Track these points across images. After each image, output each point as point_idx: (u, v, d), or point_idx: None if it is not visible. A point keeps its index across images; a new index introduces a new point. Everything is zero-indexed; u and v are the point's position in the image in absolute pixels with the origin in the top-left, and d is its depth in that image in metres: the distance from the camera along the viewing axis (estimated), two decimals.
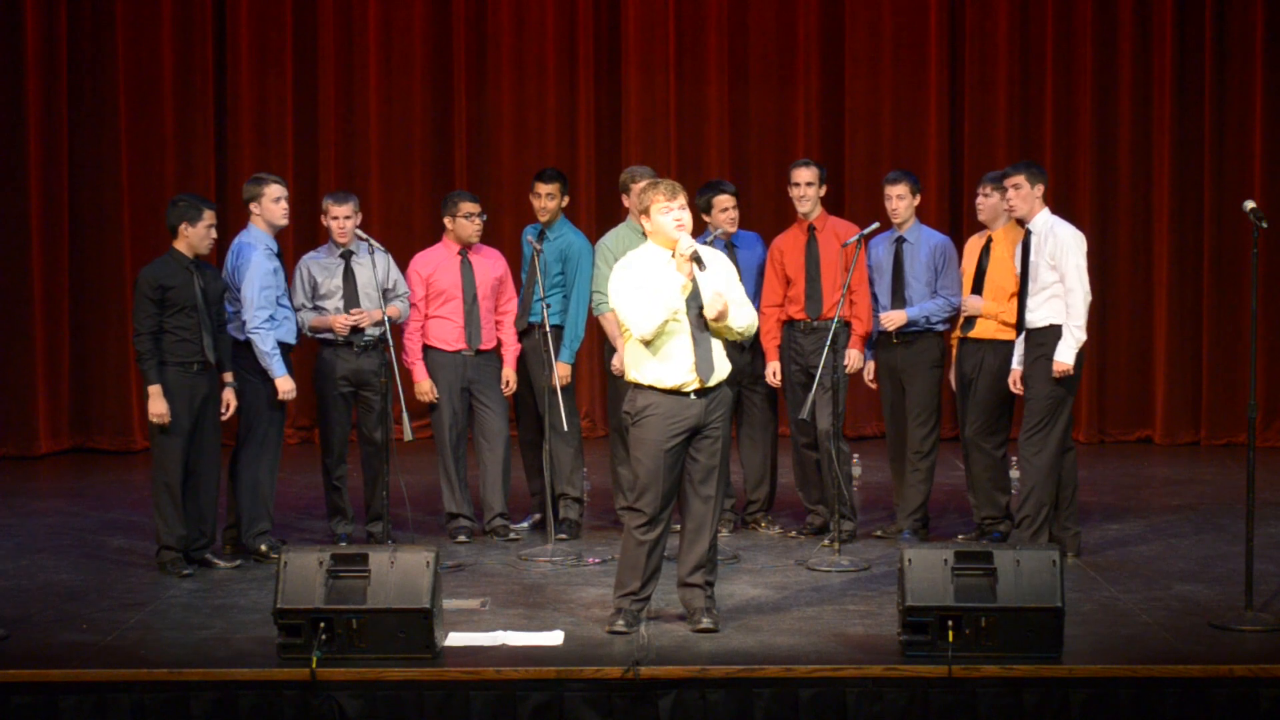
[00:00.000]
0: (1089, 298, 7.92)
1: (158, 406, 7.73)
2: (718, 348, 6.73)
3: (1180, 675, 6.17)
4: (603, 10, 12.50)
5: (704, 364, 6.66)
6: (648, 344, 6.63)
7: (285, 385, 8.15)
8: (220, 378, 7.97)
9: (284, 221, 8.36)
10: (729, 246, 8.70)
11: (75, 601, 7.33)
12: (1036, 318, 7.97)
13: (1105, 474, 10.96)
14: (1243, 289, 12.02)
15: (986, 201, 8.47)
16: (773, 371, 8.70)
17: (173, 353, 7.77)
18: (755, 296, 8.49)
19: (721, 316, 6.63)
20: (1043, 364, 7.93)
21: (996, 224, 8.46)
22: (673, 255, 6.66)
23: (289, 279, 8.47)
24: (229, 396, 8.00)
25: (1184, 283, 12.32)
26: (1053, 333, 7.92)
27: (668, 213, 6.67)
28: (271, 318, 8.12)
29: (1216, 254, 12.23)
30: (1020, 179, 8.03)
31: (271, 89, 12.31)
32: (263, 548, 8.08)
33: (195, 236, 7.87)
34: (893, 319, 8.47)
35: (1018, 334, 8.14)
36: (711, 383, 6.69)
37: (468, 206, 8.69)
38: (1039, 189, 8.03)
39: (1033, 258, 7.97)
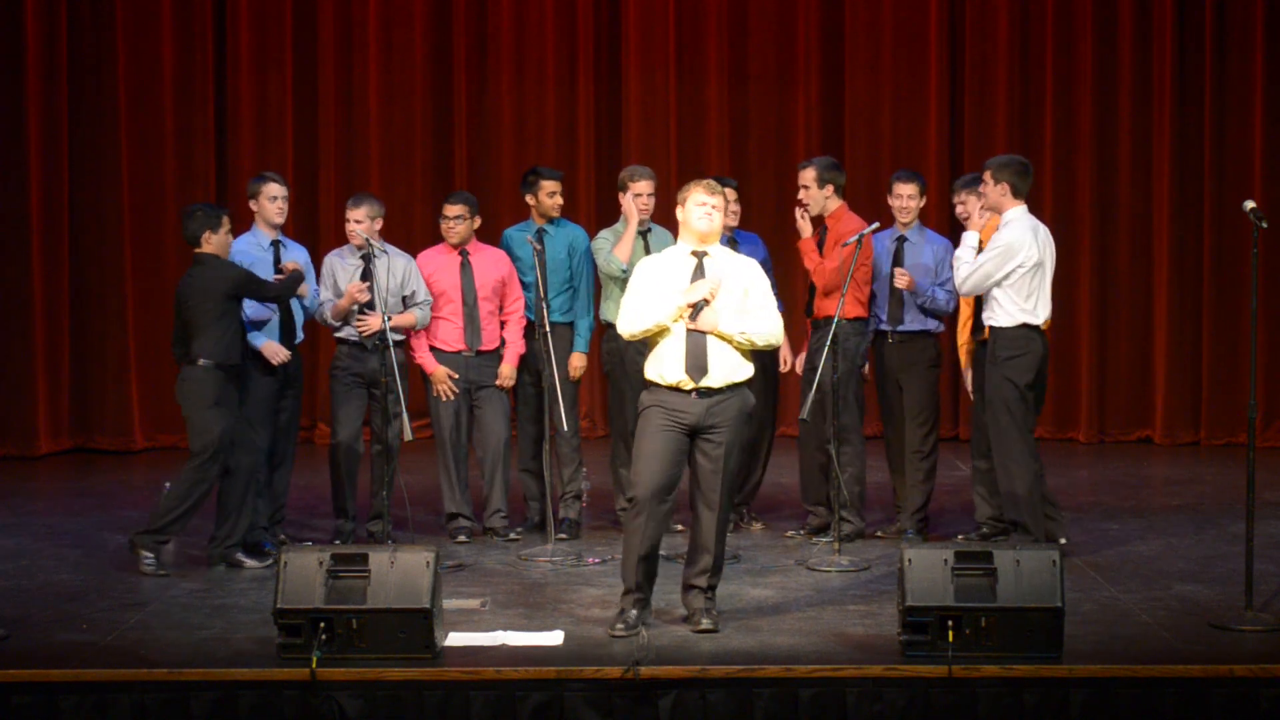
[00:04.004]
0: (982, 278, 7.74)
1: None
2: (718, 351, 6.70)
3: (1180, 675, 6.17)
4: (603, 10, 12.51)
5: (694, 366, 6.67)
6: (653, 338, 6.76)
7: (269, 349, 8.22)
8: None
9: (278, 220, 8.44)
10: (731, 243, 8.73)
11: (75, 601, 7.33)
12: (984, 317, 7.93)
13: (1105, 474, 10.96)
14: (1243, 289, 12.02)
15: (964, 207, 8.45)
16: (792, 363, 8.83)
17: (221, 354, 7.86)
18: None
19: (708, 329, 6.68)
20: (988, 367, 7.86)
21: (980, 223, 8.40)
22: (692, 253, 6.81)
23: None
24: None
25: (1184, 283, 12.32)
26: (992, 334, 7.84)
27: (701, 205, 6.78)
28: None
29: (1216, 254, 12.24)
30: (986, 174, 7.93)
31: (271, 89, 12.31)
32: (238, 555, 8.07)
33: (220, 242, 7.99)
34: (903, 277, 8.44)
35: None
36: (708, 384, 6.68)
37: (446, 209, 8.72)
38: (1002, 186, 7.85)
39: (979, 257, 7.90)
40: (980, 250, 7.92)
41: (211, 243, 7.96)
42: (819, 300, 8.50)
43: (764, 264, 8.78)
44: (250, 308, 8.15)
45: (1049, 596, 6.28)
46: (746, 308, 6.77)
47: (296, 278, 8.16)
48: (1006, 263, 7.76)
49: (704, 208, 6.76)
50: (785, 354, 8.93)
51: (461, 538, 8.60)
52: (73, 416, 12.11)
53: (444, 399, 8.63)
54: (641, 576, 6.73)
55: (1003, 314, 7.83)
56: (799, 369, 8.85)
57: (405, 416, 7.84)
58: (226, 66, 12.26)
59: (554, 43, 12.50)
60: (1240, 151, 12.19)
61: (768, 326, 6.80)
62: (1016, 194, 7.87)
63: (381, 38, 12.39)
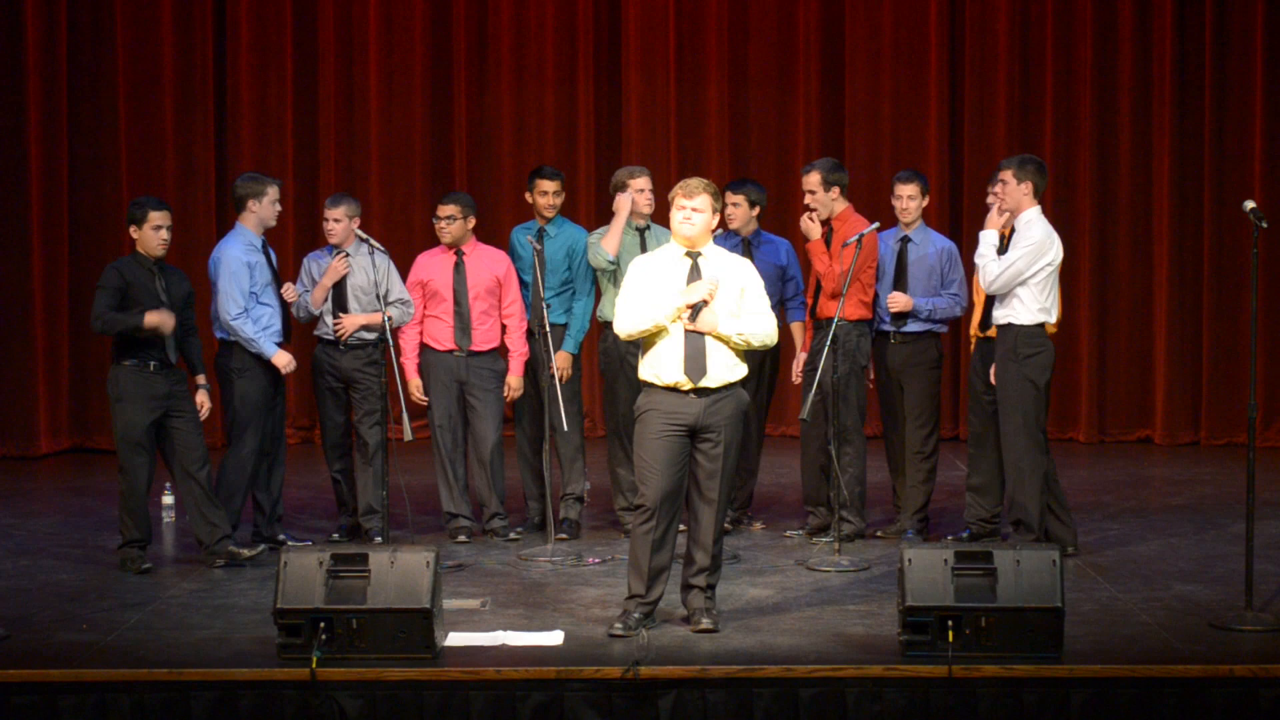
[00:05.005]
0: (1014, 276, 7.80)
1: (154, 318, 7.79)
2: (715, 351, 6.71)
3: (1180, 675, 6.18)
4: (603, 10, 12.51)
5: (693, 366, 6.68)
6: (648, 338, 6.76)
7: (281, 359, 8.27)
8: (191, 380, 8.07)
9: (275, 222, 8.50)
10: (745, 244, 8.71)
11: (75, 601, 7.33)
12: (998, 314, 7.96)
13: (1105, 474, 10.96)
14: (1243, 289, 12.03)
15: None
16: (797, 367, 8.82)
17: (128, 353, 7.84)
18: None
19: (708, 329, 6.68)
20: (1003, 364, 7.91)
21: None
22: (686, 253, 6.81)
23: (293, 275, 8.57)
24: (202, 398, 8.09)
25: (1184, 283, 12.33)
26: (1011, 331, 7.88)
27: (679, 210, 6.79)
28: (245, 311, 8.19)
29: (1216, 254, 12.24)
30: (1008, 174, 7.96)
31: (271, 89, 12.31)
32: (230, 548, 8.08)
33: (143, 239, 7.95)
34: (898, 300, 8.46)
35: (981, 330, 8.22)
36: (707, 384, 6.69)
37: (438, 210, 8.74)
38: (1025, 185, 7.92)
39: (1006, 253, 7.93)
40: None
41: (136, 238, 7.95)
42: (823, 301, 8.50)
43: (786, 270, 8.80)
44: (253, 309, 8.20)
45: (1049, 596, 6.28)
46: (742, 308, 6.78)
47: (134, 322, 7.80)
48: (1038, 260, 7.84)
49: (682, 212, 6.77)
50: (796, 367, 8.84)
51: (461, 538, 8.60)
52: (73, 416, 12.11)
53: (413, 397, 8.67)
54: (650, 583, 6.73)
55: (1024, 311, 7.87)
56: (797, 369, 8.84)
57: (405, 417, 7.84)
58: (226, 66, 12.26)
59: (554, 43, 12.50)
60: (1240, 151, 12.19)
61: (764, 327, 6.80)
62: (1037, 193, 7.95)
63: (381, 38, 12.39)
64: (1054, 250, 7.90)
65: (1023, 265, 7.82)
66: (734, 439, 6.77)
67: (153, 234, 7.91)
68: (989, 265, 7.88)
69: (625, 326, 6.79)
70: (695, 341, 6.69)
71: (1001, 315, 7.93)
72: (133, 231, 7.95)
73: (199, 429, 8.04)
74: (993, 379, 8.12)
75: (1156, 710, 6.11)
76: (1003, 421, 7.94)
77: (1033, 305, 7.86)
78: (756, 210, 8.87)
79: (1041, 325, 7.89)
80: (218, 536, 7.99)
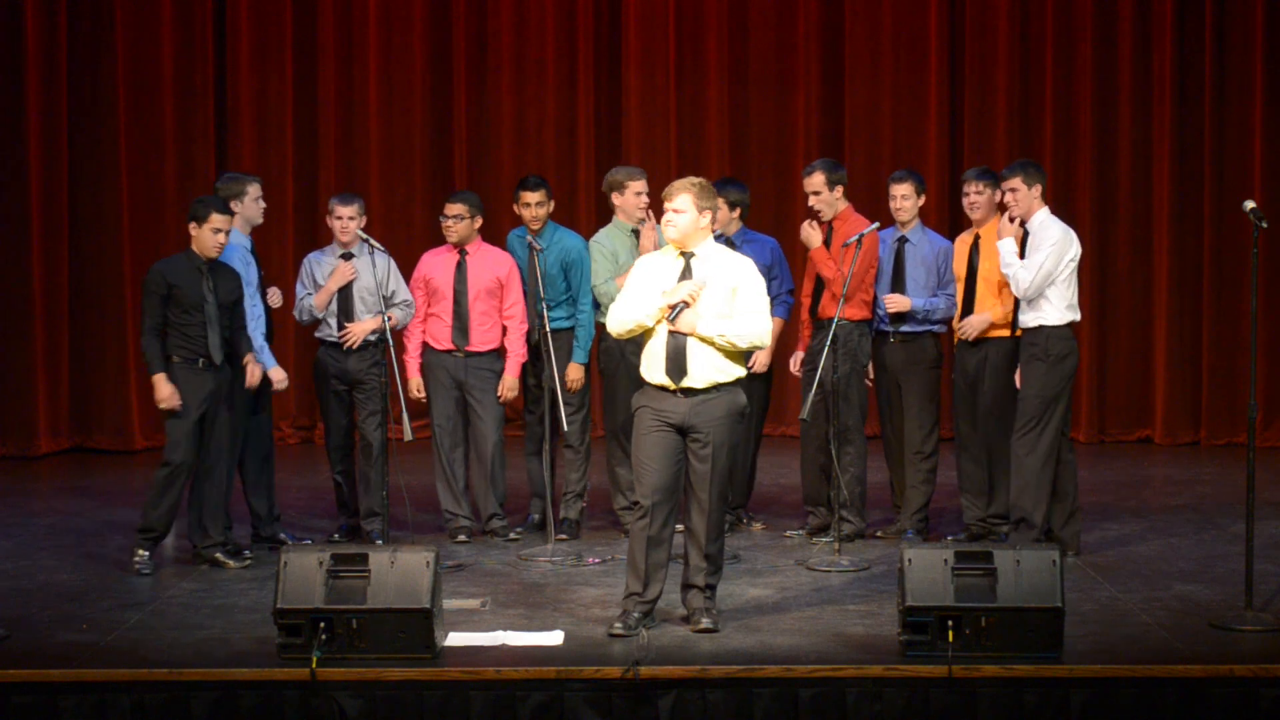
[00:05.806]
0: (1045, 278, 7.89)
1: (163, 391, 7.82)
2: (698, 353, 6.71)
3: (1180, 675, 6.18)
4: (603, 10, 12.51)
5: (673, 367, 6.70)
6: (639, 337, 6.86)
7: (276, 375, 8.28)
8: (240, 369, 8.08)
9: (261, 220, 8.49)
10: (728, 244, 8.70)
11: (75, 601, 7.33)
12: (1027, 318, 7.99)
13: (1105, 474, 10.96)
14: (1243, 289, 12.02)
15: (980, 198, 8.42)
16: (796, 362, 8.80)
17: (177, 349, 7.86)
18: None
19: (687, 330, 6.69)
20: (1033, 365, 7.95)
21: (987, 221, 8.42)
22: (678, 254, 6.83)
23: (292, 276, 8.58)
24: (252, 367, 8.09)
25: (1184, 283, 12.32)
26: (1042, 333, 7.94)
27: (664, 213, 6.83)
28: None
29: (1216, 254, 12.24)
30: (1016, 181, 8.04)
31: (271, 88, 12.31)
32: (217, 555, 8.09)
33: (200, 238, 7.93)
34: (896, 301, 8.46)
35: (1011, 332, 8.19)
36: (691, 385, 6.70)
37: (445, 209, 8.73)
38: (1036, 189, 8.05)
39: (1027, 257, 7.99)
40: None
41: (193, 236, 7.95)
42: (825, 301, 8.50)
43: (771, 268, 8.78)
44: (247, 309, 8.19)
45: (1049, 596, 6.28)
46: (734, 308, 6.76)
47: (152, 370, 7.87)
48: (1063, 257, 7.95)
49: (665, 215, 6.82)
50: (757, 354, 8.83)
51: (461, 538, 8.60)
52: (72, 416, 12.10)
53: (412, 395, 8.67)
54: (647, 581, 6.73)
55: (1053, 312, 7.96)
56: (795, 369, 8.84)
57: (406, 417, 7.84)
58: (226, 66, 12.26)
59: (554, 43, 12.49)
60: (1240, 151, 12.19)
61: (751, 328, 6.77)
62: (1044, 194, 8.09)
63: (381, 38, 12.39)
64: (1074, 245, 8.03)
65: (1050, 265, 7.91)
66: (724, 440, 6.76)
67: (210, 235, 7.88)
68: (1019, 273, 7.93)
69: (613, 325, 6.88)
70: (676, 342, 6.71)
71: (1031, 318, 7.98)
72: (191, 229, 7.92)
73: (232, 433, 8.06)
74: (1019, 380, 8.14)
75: (1156, 710, 6.11)
76: (1020, 419, 7.97)
77: (1060, 304, 7.96)
78: (738, 211, 8.86)
79: (1070, 325, 7.99)
80: (207, 543, 8.01)
